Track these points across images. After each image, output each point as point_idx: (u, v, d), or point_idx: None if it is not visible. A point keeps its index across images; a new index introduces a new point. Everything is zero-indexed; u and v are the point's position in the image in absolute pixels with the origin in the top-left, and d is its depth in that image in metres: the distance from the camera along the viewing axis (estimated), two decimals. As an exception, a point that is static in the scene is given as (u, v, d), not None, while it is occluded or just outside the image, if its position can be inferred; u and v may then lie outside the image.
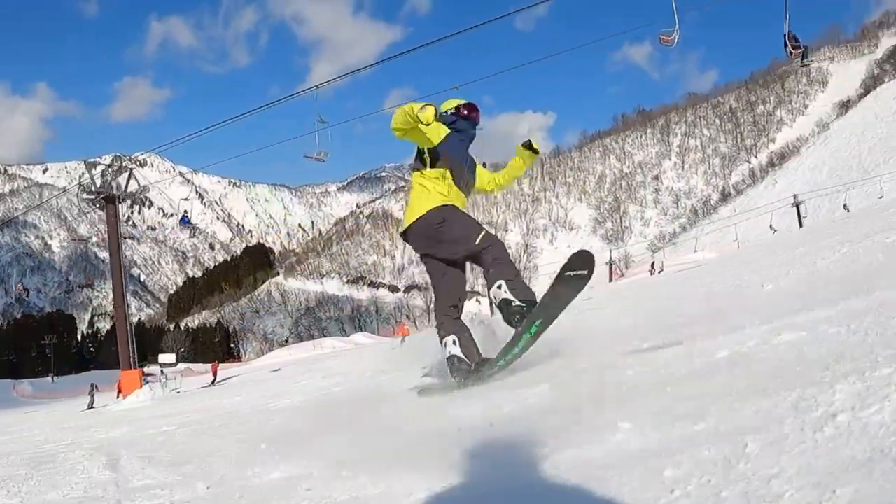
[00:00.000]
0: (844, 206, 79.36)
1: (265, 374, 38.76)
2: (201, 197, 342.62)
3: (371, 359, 22.23)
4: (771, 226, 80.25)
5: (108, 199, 33.20)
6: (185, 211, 32.87)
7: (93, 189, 33.52)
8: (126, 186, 34.39)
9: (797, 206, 78.34)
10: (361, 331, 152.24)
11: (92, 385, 44.72)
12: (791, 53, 20.18)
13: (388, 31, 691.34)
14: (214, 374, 47.56)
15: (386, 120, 6.27)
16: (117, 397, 39.59)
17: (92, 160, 33.63)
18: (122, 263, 33.46)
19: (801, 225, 71.73)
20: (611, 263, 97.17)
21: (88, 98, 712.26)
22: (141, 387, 29.98)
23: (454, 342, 6.12)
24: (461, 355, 6.06)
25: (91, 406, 35.48)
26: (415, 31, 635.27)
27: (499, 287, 5.88)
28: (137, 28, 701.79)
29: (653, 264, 72.39)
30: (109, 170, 33.92)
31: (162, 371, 55.68)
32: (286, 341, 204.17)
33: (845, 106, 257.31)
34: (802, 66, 21.74)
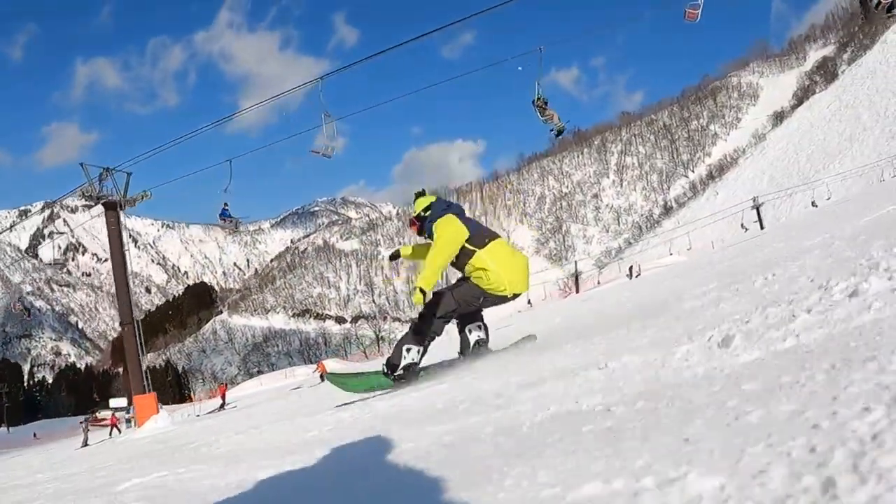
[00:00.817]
0: (812, 203, 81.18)
1: (286, 393, 37.10)
2: (134, 240, 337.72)
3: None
4: (742, 225, 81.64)
5: (107, 206, 30.67)
6: (226, 204, 29.19)
7: (93, 194, 30.86)
8: (125, 191, 31.78)
9: (757, 208, 79.28)
10: (310, 363, 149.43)
11: (86, 419, 42.66)
12: (879, 4, 19.16)
13: (316, 66, 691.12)
14: (223, 398, 45.62)
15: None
16: (110, 434, 37.63)
17: (94, 186, 31.10)
18: (128, 276, 30.92)
19: (762, 227, 72.22)
20: (577, 275, 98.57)
21: (17, 146, 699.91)
22: (158, 412, 27.53)
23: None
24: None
25: (86, 443, 33.06)
26: (343, 62, 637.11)
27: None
28: (63, 71, 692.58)
29: (631, 268, 72.51)
30: (108, 174, 31.38)
31: (129, 408, 53.07)
32: (235, 378, 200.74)
33: (779, 117, 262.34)
34: (888, 16, 20.31)
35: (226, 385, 53.40)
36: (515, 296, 7.87)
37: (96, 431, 42.77)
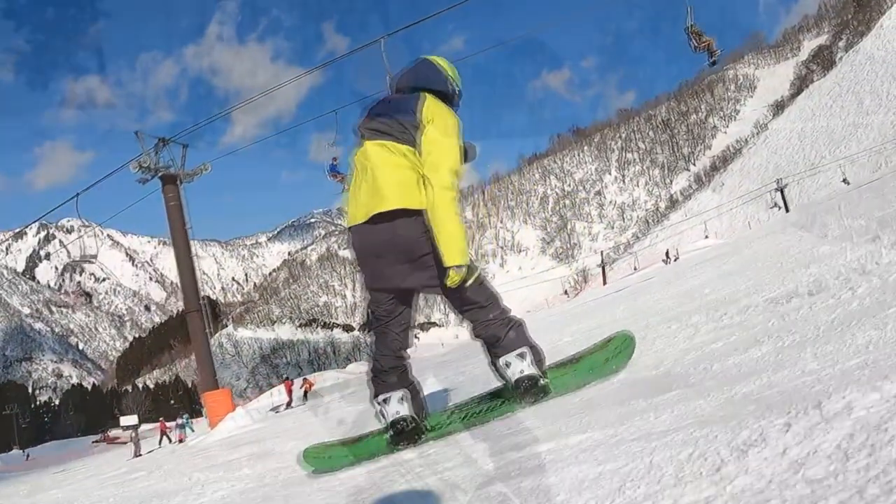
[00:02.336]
0: (844, 180, 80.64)
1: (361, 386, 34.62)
2: (132, 259, 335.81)
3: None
4: (776, 204, 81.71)
5: (166, 179, 28.12)
6: (334, 158, 25.69)
7: (150, 166, 28.20)
8: (183, 163, 29.21)
9: (781, 190, 78.28)
10: (322, 370, 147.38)
11: (135, 427, 40.78)
12: None
13: (308, 76, 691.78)
14: (290, 394, 41.76)
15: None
16: (160, 443, 35.21)
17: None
18: (192, 256, 28.40)
19: (787, 209, 71.14)
20: (602, 265, 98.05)
21: (9, 167, 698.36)
22: (233, 409, 24.33)
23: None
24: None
25: (137, 454, 30.44)
26: (336, 68, 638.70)
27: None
28: (55, 90, 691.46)
29: (667, 252, 71.35)
30: (164, 144, 28.79)
31: (182, 414, 50.44)
32: (245, 391, 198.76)
33: (780, 107, 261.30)
34: None
35: (291, 381, 50.00)
36: None
37: (147, 440, 40.60)
